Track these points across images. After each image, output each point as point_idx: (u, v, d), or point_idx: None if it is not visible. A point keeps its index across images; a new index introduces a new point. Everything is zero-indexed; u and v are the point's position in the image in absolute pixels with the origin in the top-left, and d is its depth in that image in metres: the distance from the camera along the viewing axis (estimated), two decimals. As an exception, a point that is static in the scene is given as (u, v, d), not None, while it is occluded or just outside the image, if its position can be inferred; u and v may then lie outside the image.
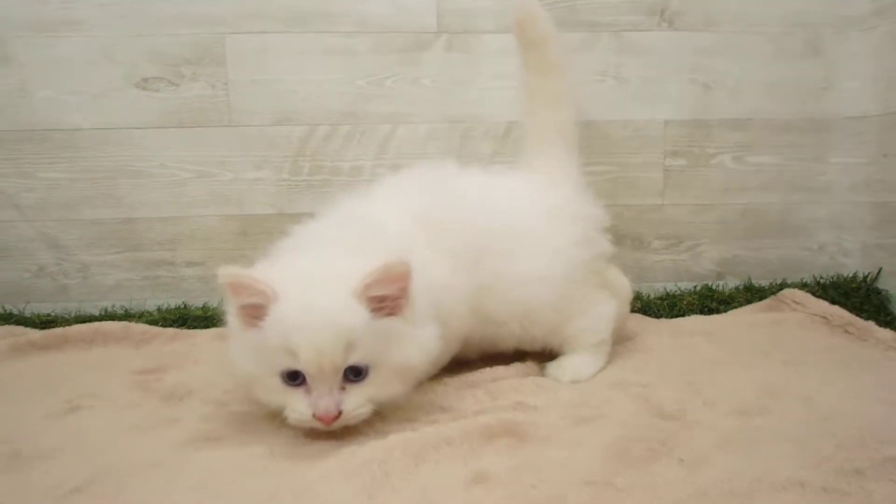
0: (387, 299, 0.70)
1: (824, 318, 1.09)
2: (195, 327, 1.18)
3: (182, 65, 1.21)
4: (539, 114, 0.97)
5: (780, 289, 1.23)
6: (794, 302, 1.16)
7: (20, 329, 1.14)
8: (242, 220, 1.25)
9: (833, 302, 1.15)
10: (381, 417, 0.73)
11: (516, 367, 0.91)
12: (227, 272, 0.69)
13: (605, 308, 0.93)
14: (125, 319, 1.19)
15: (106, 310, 1.24)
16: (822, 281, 1.26)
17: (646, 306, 1.22)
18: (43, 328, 1.17)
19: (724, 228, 1.30)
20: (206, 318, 1.19)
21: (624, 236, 1.29)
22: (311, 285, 0.69)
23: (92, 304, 1.26)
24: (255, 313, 0.69)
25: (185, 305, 1.24)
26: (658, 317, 1.20)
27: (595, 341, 0.92)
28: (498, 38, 1.23)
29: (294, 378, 0.68)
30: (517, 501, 0.57)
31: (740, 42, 1.25)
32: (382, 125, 1.24)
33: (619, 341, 1.00)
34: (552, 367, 0.91)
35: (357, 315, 0.68)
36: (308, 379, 0.68)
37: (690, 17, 1.24)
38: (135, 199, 1.24)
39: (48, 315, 1.22)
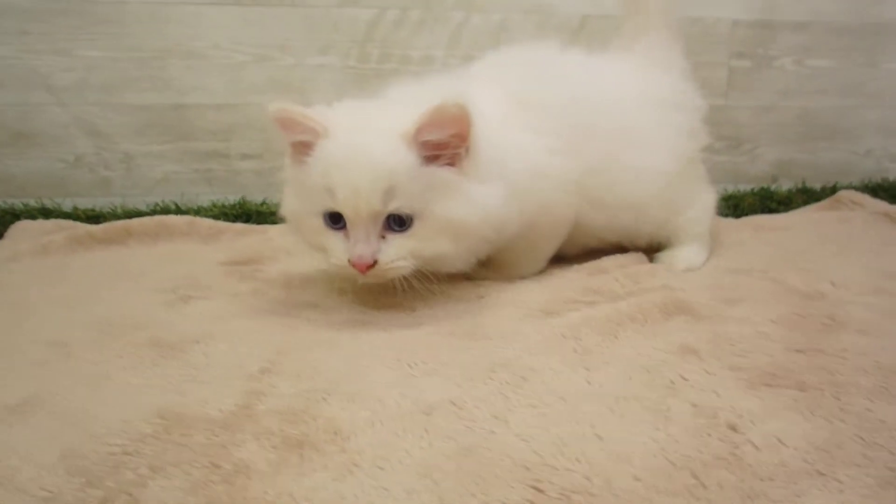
0: (443, 147, 0.64)
1: (887, 214, 1.14)
2: (259, 223, 1.11)
3: (243, -67, 1.10)
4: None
5: (833, 191, 1.27)
6: (853, 202, 1.20)
7: (69, 223, 1.03)
8: (304, 111, 1.17)
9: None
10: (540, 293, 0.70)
11: (631, 256, 0.90)
12: (276, 106, 0.66)
13: (708, 197, 0.93)
14: (177, 211, 1.10)
15: (156, 205, 1.14)
16: (869, 184, 1.32)
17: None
18: (90, 222, 1.07)
19: (780, 131, 1.33)
20: (270, 214, 1.12)
21: (687, 137, 1.30)
22: (360, 125, 0.65)
23: (137, 199, 1.15)
24: (304, 151, 0.66)
25: (244, 200, 1.16)
26: (725, 216, 1.22)
27: (701, 230, 0.92)
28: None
29: (336, 221, 0.65)
30: (742, 371, 0.54)
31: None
32: (455, 11, 1.18)
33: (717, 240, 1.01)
34: (664, 256, 0.89)
35: (403, 158, 0.63)
36: (347, 223, 0.64)
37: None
38: (186, 82, 1.13)
39: (92, 210, 1.11)
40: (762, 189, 1.31)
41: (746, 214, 1.23)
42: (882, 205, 1.17)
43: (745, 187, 1.32)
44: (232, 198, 1.17)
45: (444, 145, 0.64)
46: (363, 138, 0.63)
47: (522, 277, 0.82)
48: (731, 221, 1.17)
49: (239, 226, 1.06)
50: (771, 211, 1.25)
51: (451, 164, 0.65)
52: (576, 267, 0.85)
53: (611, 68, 0.89)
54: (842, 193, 1.23)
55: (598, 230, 0.85)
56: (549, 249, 0.84)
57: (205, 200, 1.16)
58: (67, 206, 1.12)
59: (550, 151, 0.77)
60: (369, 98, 0.74)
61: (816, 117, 1.33)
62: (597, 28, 1.22)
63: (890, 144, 1.35)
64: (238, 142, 1.17)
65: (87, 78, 1.10)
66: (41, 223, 1.01)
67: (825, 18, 1.29)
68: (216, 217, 1.09)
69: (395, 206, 0.63)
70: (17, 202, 1.11)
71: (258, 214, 1.12)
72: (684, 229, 0.89)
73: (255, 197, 1.17)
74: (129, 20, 1.10)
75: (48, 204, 1.12)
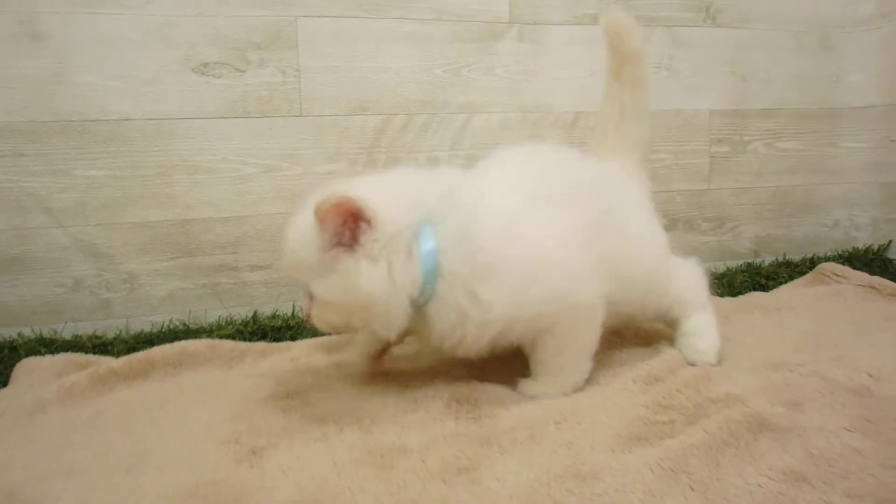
0: (341, 234, 0.71)
1: (872, 287, 1.22)
2: (276, 339, 1.07)
3: (249, 49, 1.10)
4: (624, 123, 0.96)
5: (812, 263, 1.37)
6: (835, 274, 1.29)
7: (80, 357, 0.97)
8: (314, 218, 1.16)
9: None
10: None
11: (669, 356, 0.89)
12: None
13: (689, 264, 0.97)
14: (186, 335, 1.05)
15: (161, 326, 1.09)
16: (843, 254, 1.42)
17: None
18: (96, 352, 1.01)
19: (758, 209, 1.42)
20: (286, 328, 1.09)
21: (676, 220, 1.37)
22: (306, 208, 0.73)
23: (141, 319, 1.10)
24: None
25: (255, 315, 1.12)
26: (722, 295, 1.28)
27: (703, 296, 0.95)
28: (565, 29, 1.25)
29: None
30: (859, 499, 0.55)
31: (769, 38, 1.38)
32: (458, 115, 1.22)
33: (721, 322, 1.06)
34: (686, 342, 0.92)
35: (307, 243, 0.72)
36: None
37: (729, 14, 1.35)
38: (192, 197, 1.10)
39: (96, 336, 1.04)
40: (748, 265, 1.38)
41: (740, 291, 1.30)
42: (864, 276, 1.25)
43: (731, 263, 1.40)
44: (242, 311, 1.13)
45: (341, 232, 0.71)
46: (296, 220, 0.75)
47: (575, 387, 0.82)
48: (732, 301, 1.22)
49: (260, 345, 1.02)
50: (761, 286, 1.32)
51: (351, 246, 0.71)
52: (619, 373, 0.86)
53: (604, 168, 0.93)
54: (823, 266, 1.32)
55: (616, 305, 0.86)
56: (587, 346, 0.83)
57: (213, 316, 1.12)
58: (67, 332, 1.05)
59: (564, 241, 0.78)
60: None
61: (789, 195, 1.43)
62: (588, 123, 1.28)
63: (854, 215, 1.46)
64: (247, 253, 1.14)
65: (87, 198, 1.06)
66: (50, 360, 0.95)
67: (789, 105, 1.40)
68: (230, 336, 1.06)
69: (304, 281, 0.74)
70: (12, 332, 1.03)
71: (273, 330, 1.08)
72: (685, 298, 0.94)
73: (265, 308, 1.14)
74: (132, 137, 1.07)
75: (45, 332, 1.04)
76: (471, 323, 0.74)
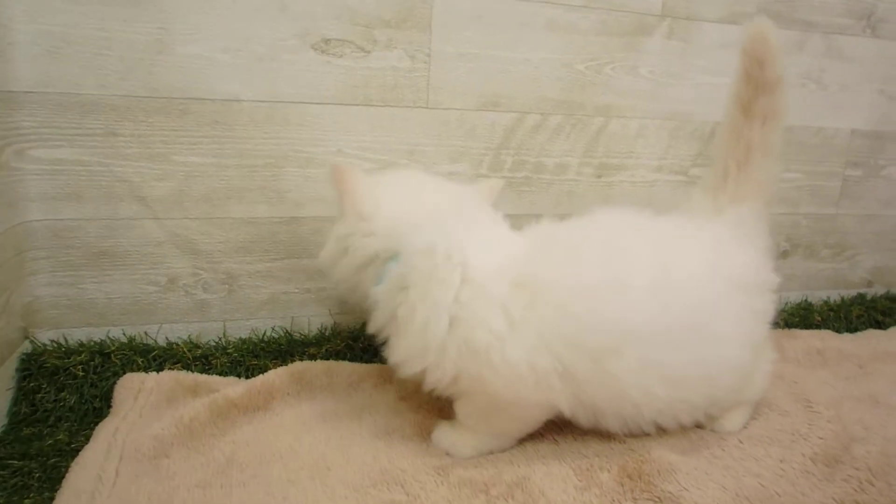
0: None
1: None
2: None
3: (377, 26, 0.95)
4: (749, 165, 0.79)
5: (926, 297, 1.30)
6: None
7: (188, 377, 0.86)
8: (429, 223, 1.04)
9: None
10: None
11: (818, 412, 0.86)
12: None
13: (767, 367, 0.85)
14: (291, 345, 0.96)
15: (263, 334, 0.98)
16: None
17: (825, 321, 1.22)
18: (197, 366, 0.90)
19: (879, 238, 1.33)
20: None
21: (798, 245, 1.27)
22: None
23: (238, 324, 0.99)
24: None
25: (363, 325, 1.02)
26: (837, 330, 1.21)
27: (757, 396, 0.85)
28: (719, 28, 1.11)
29: None
30: None
31: (925, 54, 1.24)
32: (595, 118, 1.08)
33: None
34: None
35: None
36: None
37: (892, 24, 1.21)
38: (302, 193, 0.98)
39: (191, 342, 0.94)
40: (861, 297, 1.31)
41: (857, 327, 1.23)
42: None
43: (845, 293, 1.32)
44: (346, 319, 1.03)
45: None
46: None
47: (488, 449, 0.76)
48: (855, 341, 1.14)
49: (378, 368, 0.93)
50: (877, 323, 1.25)
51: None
52: (786, 442, 0.79)
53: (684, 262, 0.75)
54: (942, 306, 1.25)
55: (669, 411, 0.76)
56: (507, 432, 0.77)
57: (315, 323, 1.02)
58: (161, 336, 0.95)
59: (513, 342, 0.68)
60: None
61: (912, 225, 1.34)
62: (719, 176, 1.16)
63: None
64: (355, 257, 1.02)
65: (186, 188, 0.92)
66: (155, 379, 0.84)
67: (932, 129, 1.29)
68: (341, 351, 0.96)
69: None
70: (100, 333, 0.92)
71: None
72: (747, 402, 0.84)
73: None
74: (240, 121, 0.92)
75: (136, 333, 0.93)
76: None
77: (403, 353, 0.71)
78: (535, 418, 0.75)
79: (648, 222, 0.79)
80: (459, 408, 0.76)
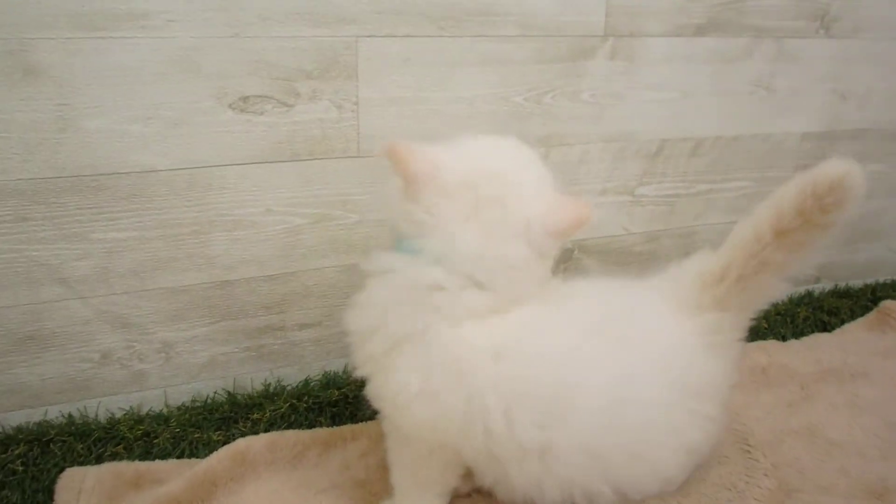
0: None
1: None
2: (335, 415, 0.97)
3: (298, 79, 0.89)
4: (755, 280, 0.71)
5: (873, 293, 1.32)
6: (900, 316, 1.25)
7: (129, 468, 0.84)
8: (370, 270, 1.02)
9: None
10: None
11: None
12: None
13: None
14: (234, 408, 0.95)
15: (205, 399, 0.97)
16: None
17: (772, 325, 1.24)
18: (139, 444, 0.89)
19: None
20: (343, 402, 0.98)
21: (746, 249, 1.27)
22: None
23: (179, 389, 0.98)
24: None
25: (307, 383, 1.01)
26: (783, 335, 1.23)
27: None
28: (664, 42, 1.06)
29: None
30: None
31: (879, 49, 1.20)
32: (536, 149, 1.04)
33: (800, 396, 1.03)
34: None
35: None
36: None
37: (846, 22, 1.16)
38: (232, 257, 0.94)
39: (130, 416, 0.93)
40: (809, 295, 1.32)
41: (803, 330, 1.24)
42: (929, 322, 1.22)
43: (793, 292, 1.33)
44: (289, 372, 1.02)
45: None
46: None
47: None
48: (800, 352, 1.16)
49: (323, 433, 0.93)
50: (823, 324, 1.26)
51: None
52: None
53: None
54: (886, 305, 1.27)
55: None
56: (425, 476, 0.75)
57: (259, 380, 1.01)
58: (101, 412, 0.94)
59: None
60: None
61: (860, 220, 1.34)
62: (674, 152, 1.13)
63: (920, 240, 1.40)
64: (294, 312, 1.00)
65: (109, 264, 0.89)
66: (95, 474, 0.83)
67: (882, 125, 1.27)
68: (284, 415, 0.95)
69: None
70: (37, 414, 0.91)
71: (329, 405, 0.98)
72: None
73: (314, 367, 1.04)
74: (159, 192, 0.88)
75: (75, 411, 0.92)
76: None
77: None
78: (447, 463, 0.74)
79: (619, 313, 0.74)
80: (389, 458, 0.77)
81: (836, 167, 0.63)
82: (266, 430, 0.93)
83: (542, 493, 0.69)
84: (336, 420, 0.97)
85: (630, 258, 1.17)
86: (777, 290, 0.73)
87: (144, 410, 0.95)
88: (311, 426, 0.95)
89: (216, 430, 0.92)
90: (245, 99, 0.88)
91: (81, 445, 0.87)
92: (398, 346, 0.67)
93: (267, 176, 0.92)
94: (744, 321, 0.76)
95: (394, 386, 0.68)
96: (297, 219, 0.95)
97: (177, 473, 0.84)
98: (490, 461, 0.69)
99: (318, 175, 0.94)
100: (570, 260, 1.14)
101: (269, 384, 1.01)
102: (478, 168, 0.66)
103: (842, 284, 1.36)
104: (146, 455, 0.89)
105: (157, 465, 0.87)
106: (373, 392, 0.71)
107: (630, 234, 1.16)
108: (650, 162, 1.13)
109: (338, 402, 0.99)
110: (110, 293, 0.90)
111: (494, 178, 0.66)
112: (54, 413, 0.92)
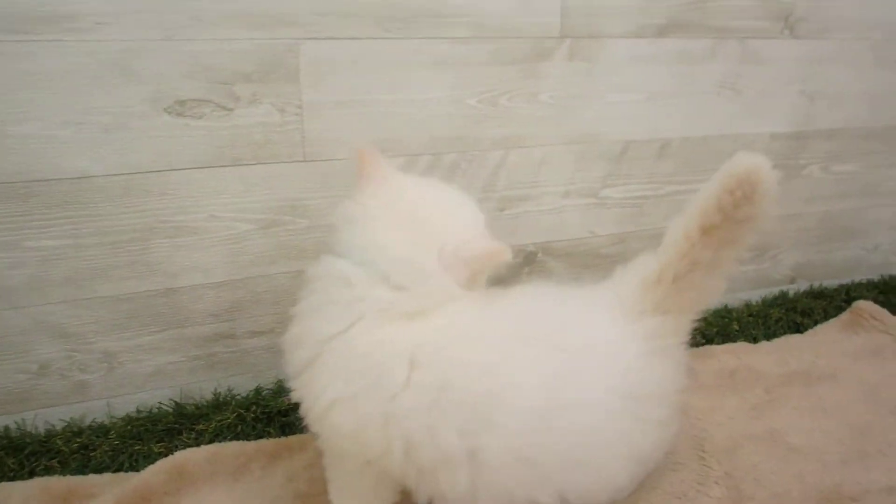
0: None
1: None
2: (285, 425, 0.94)
3: (237, 82, 0.86)
4: (690, 278, 0.70)
5: (847, 293, 1.29)
6: (873, 318, 1.22)
7: (58, 482, 0.81)
8: (321, 277, 0.99)
9: (885, 302, 1.24)
10: None
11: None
12: None
13: None
14: (180, 420, 0.92)
15: (150, 410, 0.95)
16: (878, 283, 1.34)
17: (743, 327, 1.21)
18: (76, 457, 0.87)
19: (801, 235, 1.30)
20: (293, 409, 0.96)
21: (716, 252, 1.24)
22: None
23: (125, 399, 0.95)
24: None
25: (258, 391, 0.99)
26: (754, 336, 1.20)
27: None
28: (624, 44, 1.03)
29: None
30: None
31: (847, 49, 1.17)
32: (492, 152, 1.02)
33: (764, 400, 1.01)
34: None
35: None
36: None
37: (811, 23, 1.13)
38: (175, 264, 0.91)
39: (70, 428, 0.90)
40: (783, 296, 1.29)
41: (775, 332, 1.22)
42: (903, 324, 1.19)
43: (767, 292, 1.31)
44: (241, 381, 0.99)
45: None
46: None
47: None
48: (770, 355, 1.13)
49: (269, 444, 0.90)
50: (796, 325, 1.24)
51: None
52: None
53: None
54: (859, 306, 1.24)
55: None
56: (348, 488, 0.74)
57: (208, 390, 0.98)
58: (39, 422, 0.91)
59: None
60: None
61: (835, 219, 1.31)
62: (639, 154, 1.10)
63: (896, 240, 1.37)
64: (245, 320, 0.98)
65: (43, 273, 0.86)
66: (22, 489, 0.80)
67: (854, 124, 1.24)
68: (232, 425, 0.93)
69: None
70: (-29, 429, 0.88)
71: (279, 415, 0.95)
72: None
73: (267, 376, 1.01)
74: (95, 198, 0.85)
75: (12, 424, 0.90)
76: None
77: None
78: (379, 479, 0.72)
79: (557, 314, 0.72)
80: (327, 474, 0.75)
81: (742, 161, 0.63)
82: (211, 442, 0.90)
83: None
84: (285, 430, 0.94)
85: (597, 261, 1.15)
86: (714, 290, 0.71)
87: (87, 422, 0.93)
88: (258, 437, 0.93)
89: (158, 442, 0.90)
90: (182, 103, 0.85)
91: (13, 460, 0.85)
92: (322, 353, 0.65)
93: (209, 181, 0.89)
94: (685, 323, 0.74)
95: (315, 391, 0.66)
96: (243, 224, 0.93)
97: (110, 488, 0.81)
98: (418, 475, 0.66)
99: (264, 180, 0.91)
100: (533, 263, 1.12)
101: (220, 393, 0.98)
102: (425, 194, 0.70)
103: (816, 285, 1.33)
104: (82, 469, 0.86)
105: (91, 479, 0.84)
106: (302, 407, 0.69)
107: (596, 237, 1.13)
108: (615, 164, 1.10)
109: (288, 412, 0.96)
110: (46, 302, 0.87)
111: (435, 205, 0.69)
112: (-8, 428, 0.89)
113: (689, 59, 1.07)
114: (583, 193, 1.10)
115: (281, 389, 0.99)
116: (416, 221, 0.66)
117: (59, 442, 0.87)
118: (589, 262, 1.15)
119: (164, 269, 0.91)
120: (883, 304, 1.25)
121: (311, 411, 0.67)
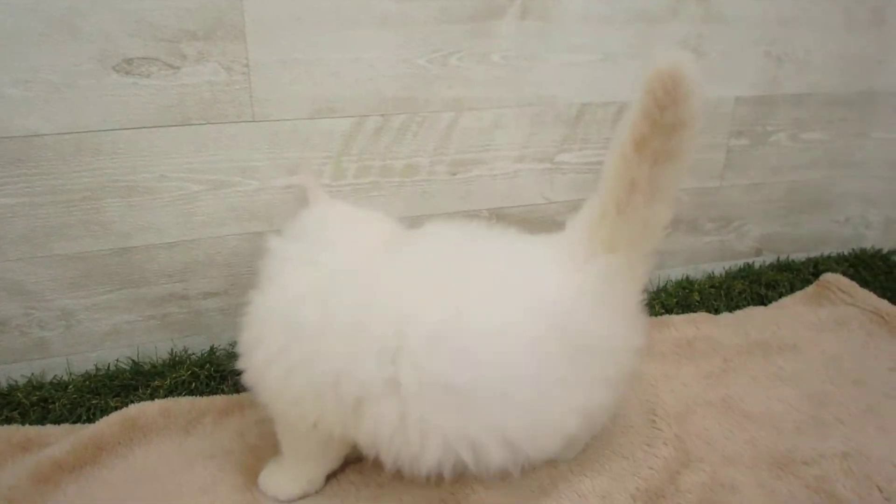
0: None
1: (878, 313, 1.14)
2: (239, 383, 0.95)
3: (183, 40, 0.87)
4: (632, 206, 0.66)
5: (815, 266, 1.28)
6: (840, 290, 1.20)
7: (18, 431, 0.85)
8: (275, 238, 1.01)
9: (856, 276, 1.24)
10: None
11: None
12: None
13: None
14: (137, 377, 0.95)
15: (108, 367, 0.97)
16: (847, 256, 1.32)
17: (704, 299, 1.20)
18: (35, 410, 0.89)
19: (767, 206, 1.29)
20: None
21: (679, 221, 1.24)
22: None
23: (84, 356, 0.98)
24: None
25: (212, 351, 1.01)
26: (716, 308, 1.19)
27: None
28: (580, 2, 1.02)
29: None
30: None
31: (817, 9, 1.15)
32: (444, 113, 1.02)
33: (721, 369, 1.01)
34: None
35: None
36: None
37: (777, -21, 1.11)
38: (128, 223, 0.93)
39: (34, 385, 0.93)
40: (748, 268, 1.28)
41: (738, 304, 1.21)
42: (870, 298, 1.17)
43: (731, 265, 1.30)
44: (197, 341, 1.01)
45: None
46: None
47: (306, 480, 0.78)
48: (730, 327, 1.12)
49: (220, 399, 0.93)
50: (760, 297, 1.23)
51: None
52: (609, 485, 0.78)
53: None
54: (827, 278, 1.23)
55: None
56: (291, 455, 0.77)
57: (164, 349, 1.00)
58: (2, 378, 0.94)
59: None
60: None
61: (802, 190, 1.30)
62: (595, 117, 1.10)
63: (868, 212, 1.35)
64: (198, 280, 0.99)
65: (0, 231, 0.88)
66: (-24, 435, 0.84)
67: (823, 90, 1.22)
68: (186, 382, 0.95)
69: None
70: (-68, 383, 0.91)
71: (232, 374, 0.97)
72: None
73: (222, 337, 1.03)
74: (46, 157, 0.87)
75: (-27, 379, 0.93)
76: None
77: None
78: (326, 439, 0.73)
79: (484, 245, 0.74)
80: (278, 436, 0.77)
81: (662, 59, 0.59)
82: (166, 398, 0.92)
83: (422, 449, 0.66)
84: (238, 388, 0.95)
85: (553, 227, 1.14)
86: (660, 218, 0.68)
87: (48, 378, 0.96)
88: (212, 394, 0.95)
89: (115, 397, 0.92)
90: (129, 61, 0.86)
91: (-27, 405, 0.88)
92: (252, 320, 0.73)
93: (158, 141, 0.91)
94: (637, 265, 0.70)
95: (242, 348, 0.68)
96: (193, 185, 0.94)
97: (66, 437, 0.84)
98: (353, 418, 0.67)
99: (213, 140, 0.93)
100: (492, 229, 1.12)
101: (176, 353, 1.00)
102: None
103: (783, 258, 1.31)
104: (42, 420, 0.89)
105: (49, 429, 0.87)
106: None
107: (551, 203, 1.13)
108: (570, 127, 1.10)
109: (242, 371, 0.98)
110: (4, 260, 0.90)
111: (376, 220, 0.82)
112: (-47, 380, 0.92)
113: (648, 18, 1.07)
114: (537, 158, 1.10)
115: (235, 352, 1.01)
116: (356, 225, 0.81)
117: (20, 395, 0.90)
118: (543, 228, 1.12)
119: (118, 229, 0.93)
120: (853, 278, 1.23)
121: (250, 377, 0.71)
